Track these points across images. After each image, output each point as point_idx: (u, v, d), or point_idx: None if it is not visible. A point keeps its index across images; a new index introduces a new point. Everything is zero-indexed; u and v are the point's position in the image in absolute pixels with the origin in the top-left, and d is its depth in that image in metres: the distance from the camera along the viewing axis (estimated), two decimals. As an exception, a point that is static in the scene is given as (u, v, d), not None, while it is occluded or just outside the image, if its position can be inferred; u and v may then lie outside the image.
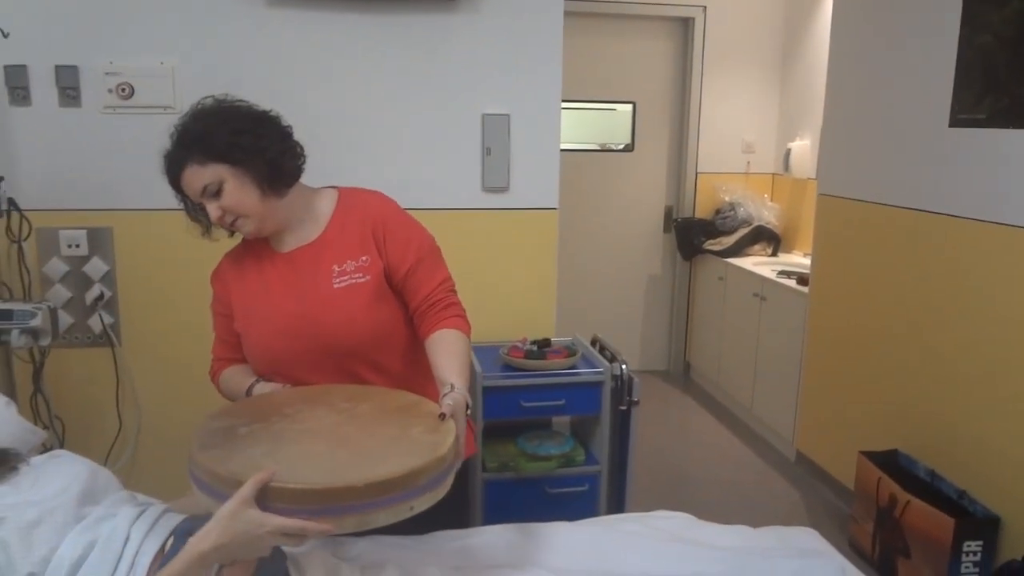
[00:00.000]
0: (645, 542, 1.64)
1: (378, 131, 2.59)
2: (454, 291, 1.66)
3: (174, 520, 1.38)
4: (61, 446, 2.47)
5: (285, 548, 1.34)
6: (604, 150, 5.04)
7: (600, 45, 4.83)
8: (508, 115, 2.63)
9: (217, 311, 1.71)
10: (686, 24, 4.88)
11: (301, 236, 1.64)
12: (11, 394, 2.30)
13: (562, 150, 2.73)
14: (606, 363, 2.56)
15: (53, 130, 2.43)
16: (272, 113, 1.59)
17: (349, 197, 1.68)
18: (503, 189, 2.69)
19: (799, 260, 4.49)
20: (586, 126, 4.97)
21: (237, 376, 1.65)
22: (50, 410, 2.50)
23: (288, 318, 1.58)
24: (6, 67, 2.38)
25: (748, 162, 5.03)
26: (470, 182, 2.67)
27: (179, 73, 2.45)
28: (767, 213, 4.75)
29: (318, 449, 1.27)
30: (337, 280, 1.59)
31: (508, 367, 2.53)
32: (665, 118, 5.02)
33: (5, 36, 2.30)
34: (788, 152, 4.68)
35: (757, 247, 4.68)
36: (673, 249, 5.12)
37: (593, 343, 2.80)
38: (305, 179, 1.64)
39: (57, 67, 2.40)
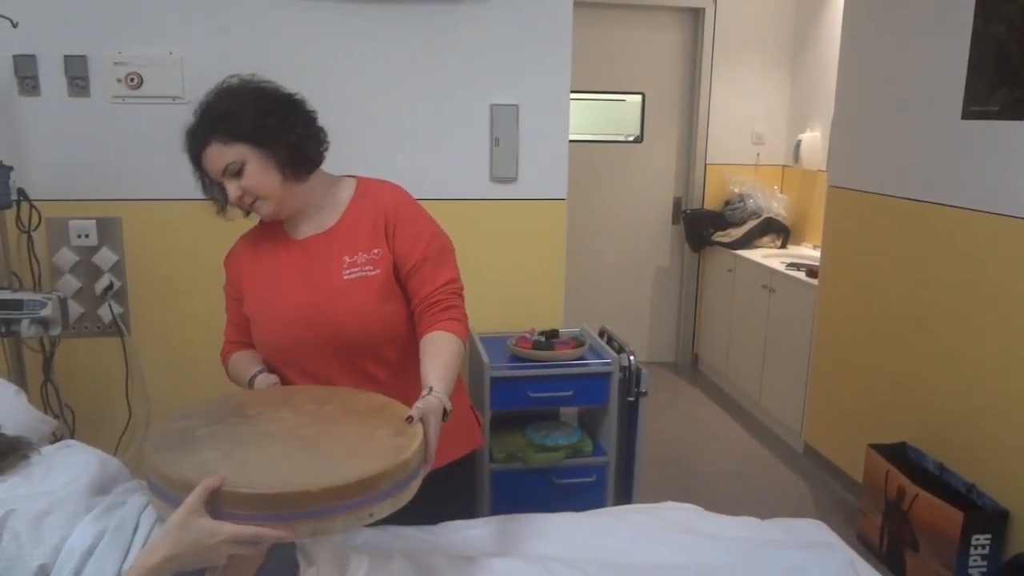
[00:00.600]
0: (652, 533, 1.64)
1: (386, 121, 2.59)
2: (459, 294, 1.63)
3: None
4: (71, 435, 2.49)
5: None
6: (613, 141, 5.02)
7: (610, 35, 4.81)
8: (517, 105, 2.63)
9: (229, 294, 1.71)
10: (696, 14, 4.85)
11: (316, 224, 1.63)
12: (21, 384, 2.31)
13: (571, 141, 2.73)
14: (614, 354, 2.56)
15: (62, 120, 2.44)
16: (298, 97, 1.58)
17: (366, 188, 1.68)
18: (511, 180, 2.68)
19: (808, 252, 4.47)
20: (595, 117, 4.96)
21: (244, 362, 1.65)
22: (60, 400, 2.52)
23: (296, 308, 1.58)
24: (15, 57, 2.38)
25: (758, 153, 5.01)
26: (478, 172, 2.67)
27: (188, 63, 2.45)
28: (776, 205, 4.73)
29: (276, 452, 1.22)
30: (347, 272, 1.58)
31: (516, 358, 2.53)
32: (675, 109, 5.00)
33: (14, 26, 2.30)
34: (798, 143, 4.66)
35: (766, 239, 4.67)
36: (682, 240, 5.10)
37: (601, 334, 2.80)
38: (314, 168, 1.64)
39: (66, 57, 2.40)
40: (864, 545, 2.98)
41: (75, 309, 2.51)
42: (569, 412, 2.84)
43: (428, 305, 1.58)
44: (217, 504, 1.09)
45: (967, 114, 2.69)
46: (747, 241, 4.63)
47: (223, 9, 2.45)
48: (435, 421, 1.34)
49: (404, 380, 1.57)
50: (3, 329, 2.17)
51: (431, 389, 1.40)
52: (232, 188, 1.51)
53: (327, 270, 1.59)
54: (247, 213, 1.62)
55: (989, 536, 2.51)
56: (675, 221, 5.13)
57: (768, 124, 4.98)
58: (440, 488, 1.72)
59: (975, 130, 2.66)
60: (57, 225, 2.47)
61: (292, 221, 1.64)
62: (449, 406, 1.40)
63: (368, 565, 1.42)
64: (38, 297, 2.18)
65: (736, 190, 4.88)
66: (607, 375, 2.53)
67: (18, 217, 2.40)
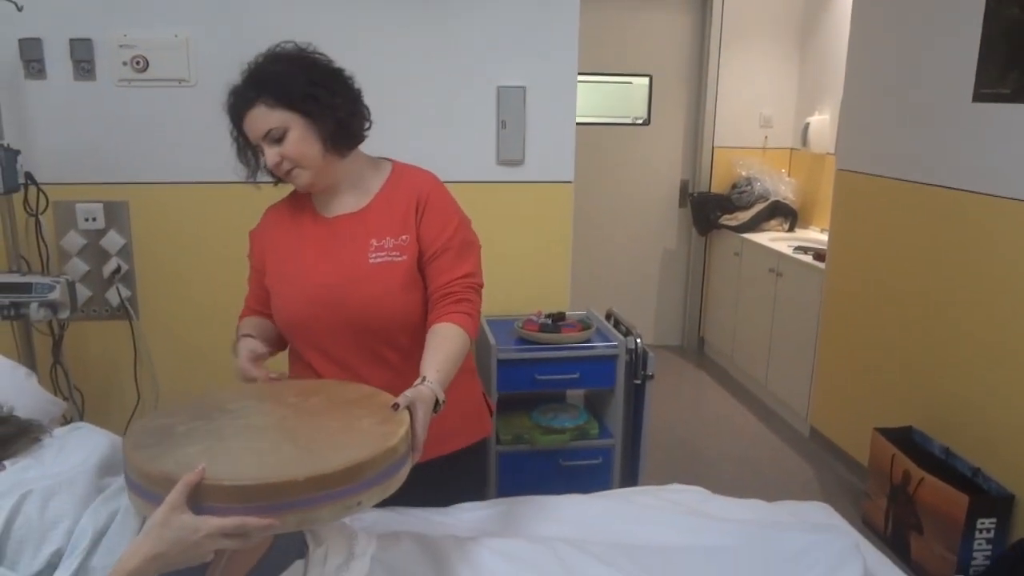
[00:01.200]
0: (658, 514, 1.64)
1: (393, 103, 2.58)
2: (475, 289, 1.61)
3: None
4: (81, 418, 2.51)
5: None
6: (620, 124, 4.99)
7: (617, 17, 4.77)
8: (524, 87, 2.61)
9: (253, 263, 1.71)
10: (704, -5, 4.81)
11: (348, 203, 1.63)
12: (31, 367, 2.32)
13: (578, 123, 2.71)
14: (620, 337, 2.56)
15: (68, 104, 2.44)
16: (347, 73, 1.58)
17: (402, 172, 1.67)
18: (518, 162, 2.68)
19: (816, 236, 4.45)
20: (602, 99, 4.93)
21: (248, 323, 1.65)
22: (70, 382, 2.53)
23: (317, 287, 1.58)
24: (20, 40, 2.38)
25: (766, 136, 4.98)
26: (485, 155, 2.66)
27: (194, 46, 2.44)
28: (784, 188, 4.71)
29: (260, 445, 1.20)
30: (374, 256, 1.57)
31: (523, 340, 2.53)
32: (682, 91, 4.96)
33: (19, 9, 2.30)
34: (806, 126, 4.63)
35: (774, 222, 4.65)
36: (689, 224, 5.09)
37: (608, 317, 2.80)
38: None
39: (71, 40, 2.40)
40: (869, 528, 2.99)
41: (83, 292, 2.52)
42: (576, 395, 2.84)
43: (443, 295, 1.57)
44: (200, 498, 1.06)
45: (978, 97, 2.66)
46: (754, 224, 4.61)
47: (229, -9, 2.44)
48: (424, 410, 1.32)
49: (414, 363, 1.57)
50: (12, 312, 2.18)
51: (424, 379, 1.39)
52: (271, 153, 1.51)
53: (353, 252, 1.58)
54: (277, 182, 1.61)
55: (994, 520, 2.51)
56: (682, 204, 5.11)
57: (776, 107, 4.95)
58: (451, 475, 1.74)
59: (986, 113, 2.64)
60: (64, 208, 2.48)
61: (323, 197, 1.64)
62: (442, 397, 1.40)
63: (376, 545, 1.43)
64: (46, 280, 2.19)
65: (744, 173, 4.85)
66: (613, 358, 2.53)
67: (25, 200, 2.40)
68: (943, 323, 2.87)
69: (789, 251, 4.04)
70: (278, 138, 1.49)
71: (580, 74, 2.67)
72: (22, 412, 1.47)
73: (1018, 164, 2.51)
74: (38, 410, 1.65)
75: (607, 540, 1.54)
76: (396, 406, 1.30)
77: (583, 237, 4.53)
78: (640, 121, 4.99)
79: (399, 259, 1.58)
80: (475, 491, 1.83)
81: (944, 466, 2.76)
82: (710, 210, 4.85)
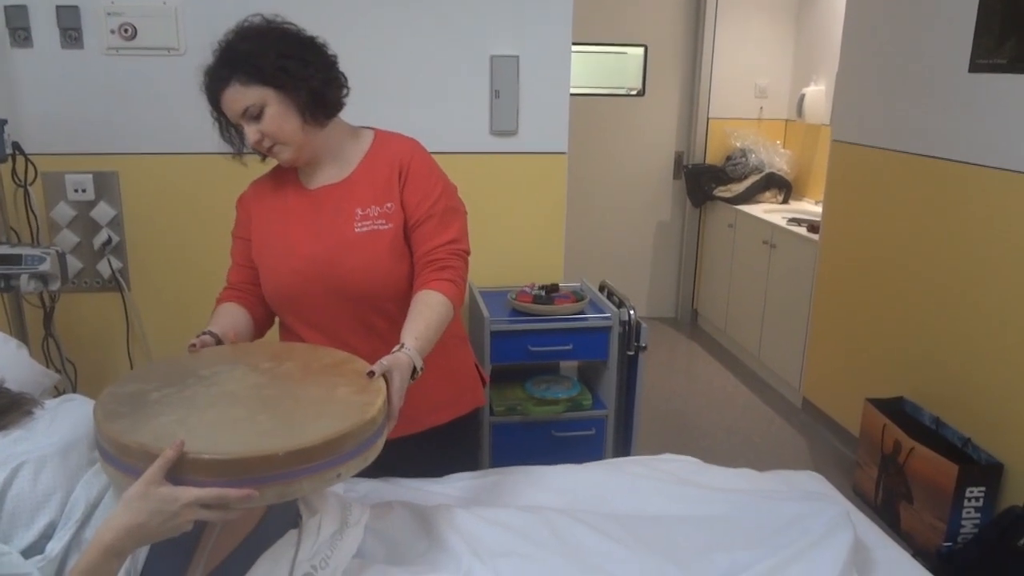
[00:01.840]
0: (651, 484, 1.66)
1: (384, 73, 2.55)
2: (459, 255, 1.60)
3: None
4: (74, 390, 2.50)
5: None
6: (614, 94, 4.96)
7: (611, -14, 4.73)
8: (517, 57, 2.59)
9: (237, 235, 1.69)
10: (700, -36, 4.76)
11: (331, 174, 1.62)
12: (22, 339, 2.32)
13: (572, 94, 2.69)
14: (614, 309, 2.56)
15: (56, 73, 2.40)
16: (320, 40, 1.56)
17: (385, 140, 1.66)
18: (512, 133, 2.66)
19: (810, 208, 4.45)
20: (596, 69, 4.89)
21: (220, 314, 1.62)
22: (62, 354, 2.53)
23: (303, 258, 1.57)
24: (6, 7, 2.34)
25: (761, 107, 4.95)
26: (478, 125, 2.64)
27: (183, 14, 2.40)
28: (779, 160, 4.70)
29: (237, 414, 1.18)
30: (359, 225, 1.57)
31: (516, 312, 2.53)
32: (677, 62, 4.93)
33: (4, -25, 2.26)
34: (802, 97, 4.60)
35: (768, 194, 4.64)
36: (683, 195, 5.07)
37: (601, 289, 2.80)
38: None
39: (58, 7, 2.35)
40: (860, 497, 3.02)
41: (74, 264, 2.51)
42: (569, 366, 2.85)
43: (427, 262, 1.56)
44: (178, 471, 1.05)
45: (974, 67, 2.65)
46: (748, 196, 4.60)
47: (217, -43, 2.40)
48: (400, 378, 1.32)
49: None
50: (2, 284, 2.16)
51: (402, 345, 1.39)
52: (251, 131, 1.49)
53: (337, 222, 1.58)
54: (264, 158, 1.60)
55: (983, 489, 2.54)
56: (676, 176, 5.09)
57: (772, 77, 4.92)
58: (444, 444, 1.74)
59: (982, 83, 2.62)
60: (53, 179, 2.46)
61: (308, 169, 1.63)
62: (420, 364, 1.39)
63: (370, 515, 1.44)
64: (36, 252, 2.17)
65: (738, 144, 4.84)
66: (607, 329, 2.53)
67: (14, 171, 2.38)
68: (936, 294, 2.88)
69: (783, 223, 4.04)
70: (256, 115, 1.48)
71: (574, 44, 2.64)
72: (13, 385, 1.46)
73: (1014, 135, 2.50)
74: (29, 382, 1.65)
75: (599, 509, 1.55)
76: (372, 373, 1.30)
77: (577, 208, 4.52)
78: (635, 92, 4.96)
79: (385, 227, 1.57)
80: (468, 461, 1.84)
81: (935, 436, 2.78)
82: (704, 182, 4.83)
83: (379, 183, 1.59)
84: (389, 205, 1.58)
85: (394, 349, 1.38)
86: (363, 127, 1.68)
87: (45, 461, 1.25)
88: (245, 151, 1.59)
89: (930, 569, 1.52)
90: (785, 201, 4.63)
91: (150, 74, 2.41)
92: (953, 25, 2.73)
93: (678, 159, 5.07)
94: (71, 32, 2.38)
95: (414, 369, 1.38)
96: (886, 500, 2.87)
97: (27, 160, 2.37)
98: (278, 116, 1.48)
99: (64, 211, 2.48)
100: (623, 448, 2.64)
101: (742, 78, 4.90)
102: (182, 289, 2.59)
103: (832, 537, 1.39)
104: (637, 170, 5.06)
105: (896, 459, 2.80)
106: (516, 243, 2.74)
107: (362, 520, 1.40)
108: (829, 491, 1.73)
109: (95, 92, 2.43)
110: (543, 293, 2.56)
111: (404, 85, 2.57)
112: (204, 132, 1.59)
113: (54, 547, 1.18)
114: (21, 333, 2.38)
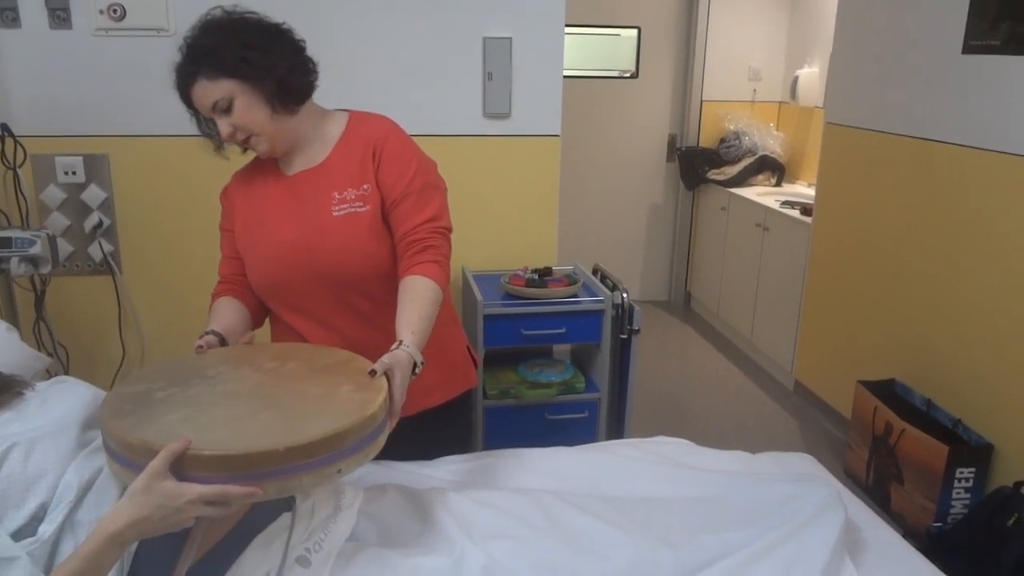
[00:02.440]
0: (642, 466, 1.66)
1: (375, 54, 2.53)
2: (440, 233, 1.57)
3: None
4: (66, 373, 2.50)
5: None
6: (608, 77, 4.94)
7: (605, -33, 4.69)
8: (510, 38, 2.57)
9: (224, 228, 1.69)
10: (694, -55, 4.73)
11: (307, 159, 1.61)
12: (13, 322, 2.31)
13: (565, 76, 2.67)
14: (607, 292, 2.56)
15: (44, 53, 2.38)
16: (284, 26, 1.54)
17: (358, 121, 1.64)
18: (505, 115, 2.64)
19: (803, 190, 4.45)
20: (590, 52, 4.87)
21: (215, 313, 1.61)
22: (53, 338, 2.52)
23: (284, 244, 1.57)
24: (-7, -13, 2.31)
25: (754, 90, 4.94)
26: (471, 108, 2.62)
27: (171, -6, 2.38)
28: (772, 142, 4.69)
29: (239, 412, 1.20)
30: (337, 208, 1.56)
31: (509, 295, 2.53)
32: (670, 44, 4.90)
33: (-10, -46, 2.23)
34: (796, 80, 4.59)
35: (761, 177, 4.64)
36: (676, 178, 5.07)
37: (594, 272, 2.79)
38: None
39: (46, -13, 2.33)
40: (851, 479, 3.04)
41: (65, 247, 2.49)
42: (562, 349, 2.85)
43: (408, 244, 1.55)
44: (181, 467, 1.07)
45: (968, 48, 2.64)
46: (742, 179, 4.60)
47: (206, -63, 2.37)
48: (402, 375, 1.33)
49: (389, 311, 1.54)
50: (-8, 267, 2.16)
51: (401, 343, 1.39)
52: (223, 125, 1.49)
53: (316, 206, 1.57)
54: (244, 150, 1.60)
55: (973, 470, 2.56)
56: (670, 159, 5.08)
57: (765, 60, 4.90)
58: (437, 427, 1.74)
59: (976, 65, 2.62)
60: (43, 162, 2.44)
61: (285, 156, 1.62)
62: (420, 359, 1.39)
63: (363, 498, 1.44)
64: (26, 235, 2.16)
65: (732, 127, 4.83)
66: (600, 313, 2.53)
67: (3, 153, 2.36)
68: (928, 277, 2.89)
69: (776, 206, 4.04)
70: (226, 108, 1.47)
71: (567, 25, 2.62)
72: (4, 367, 1.46)
73: (1007, 117, 2.50)
74: (20, 365, 1.64)
75: (592, 492, 1.56)
76: (373, 372, 1.30)
77: (570, 191, 4.50)
78: (628, 74, 4.94)
79: (362, 209, 1.56)
80: (461, 443, 1.84)
81: (925, 417, 2.80)
82: (698, 164, 4.83)
83: (354, 165, 1.58)
84: (365, 187, 1.57)
85: (392, 347, 1.38)
86: (338, 110, 1.67)
87: (35, 442, 1.25)
88: (226, 144, 1.58)
89: (920, 549, 1.53)
90: (778, 184, 4.63)
91: (140, 55, 2.39)
92: (947, 7, 2.72)
93: (671, 142, 5.06)
94: (59, 12, 2.35)
95: (414, 365, 1.38)
96: (877, 481, 2.90)
97: (16, 142, 2.35)
98: (246, 107, 1.47)
99: (54, 194, 2.46)
100: (616, 431, 2.65)
101: (736, 60, 4.88)
102: (174, 272, 2.57)
103: (823, 518, 1.40)
104: (630, 153, 5.05)
105: (887, 440, 2.81)
106: (509, 226, 2.74)
107: (355, 503, 1.40)
108: (821, 472, 1.74)
109: (84, 73, 2.41)
110: (536, 276, 2.56)
111: (396, 67, 2.55)
112: (194, 114, 1.58)
113: (46, 529, 1.18)
114: (12, 316, 2.37)
